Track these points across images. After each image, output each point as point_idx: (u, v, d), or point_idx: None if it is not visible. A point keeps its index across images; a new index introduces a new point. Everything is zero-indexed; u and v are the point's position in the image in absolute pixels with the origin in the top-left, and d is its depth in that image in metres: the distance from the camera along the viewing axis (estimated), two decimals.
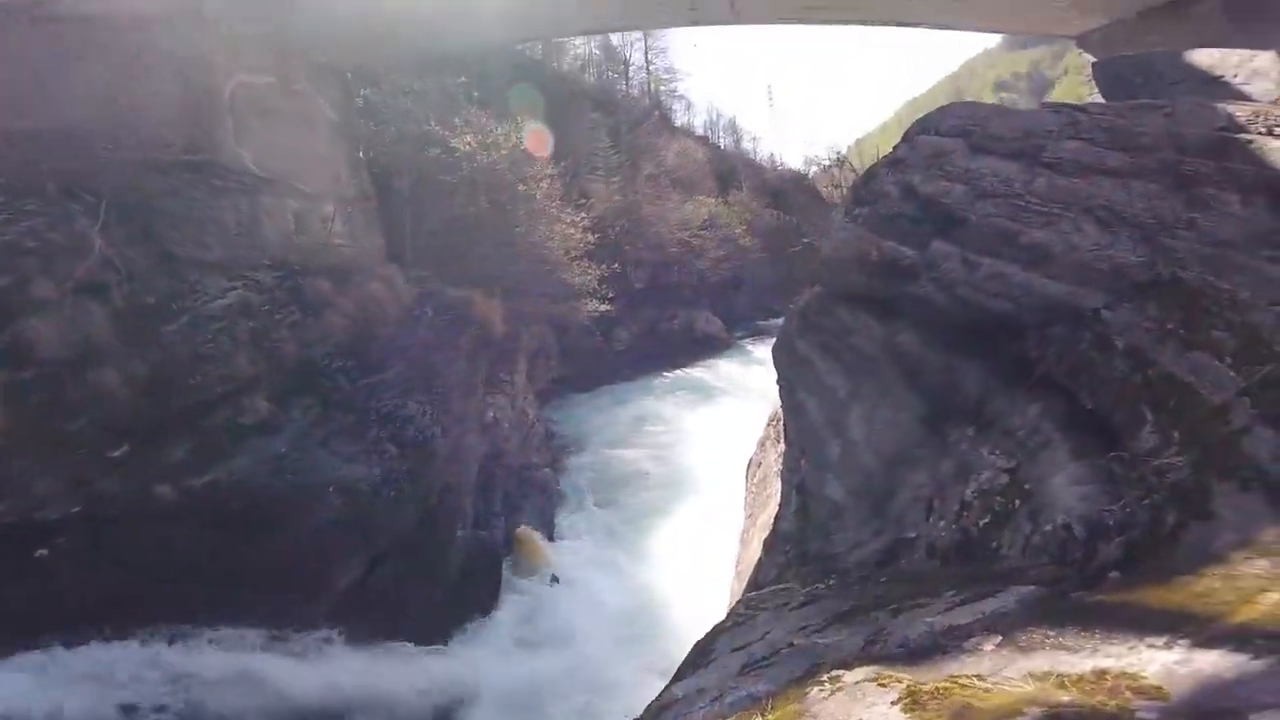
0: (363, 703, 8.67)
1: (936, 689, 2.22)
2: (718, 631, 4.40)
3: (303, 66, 11.19)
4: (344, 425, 9.53)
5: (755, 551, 7.62)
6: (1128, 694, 1.99)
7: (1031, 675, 2.22)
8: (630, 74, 44.25)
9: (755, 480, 10.16)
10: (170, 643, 8.09)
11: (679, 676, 3.95)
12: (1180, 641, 2.17)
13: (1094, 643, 2.33)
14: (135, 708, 7.71)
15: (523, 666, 10.27)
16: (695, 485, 16.50)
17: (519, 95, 24.89)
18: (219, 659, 8.30)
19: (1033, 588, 3.22)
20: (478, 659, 10.32)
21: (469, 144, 15.51)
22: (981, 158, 5.31)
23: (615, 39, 42.18)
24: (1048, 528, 3.98)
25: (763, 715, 2.49)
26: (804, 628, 3.60)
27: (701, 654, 4.04)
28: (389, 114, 15.17)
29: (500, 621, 11.31)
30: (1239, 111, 4.85)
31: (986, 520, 4.36)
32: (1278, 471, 3.09)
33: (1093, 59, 11.60)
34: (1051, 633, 2.49)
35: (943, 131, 5.71)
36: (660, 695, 3.70)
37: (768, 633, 3.73)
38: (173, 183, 9.32)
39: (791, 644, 3.28)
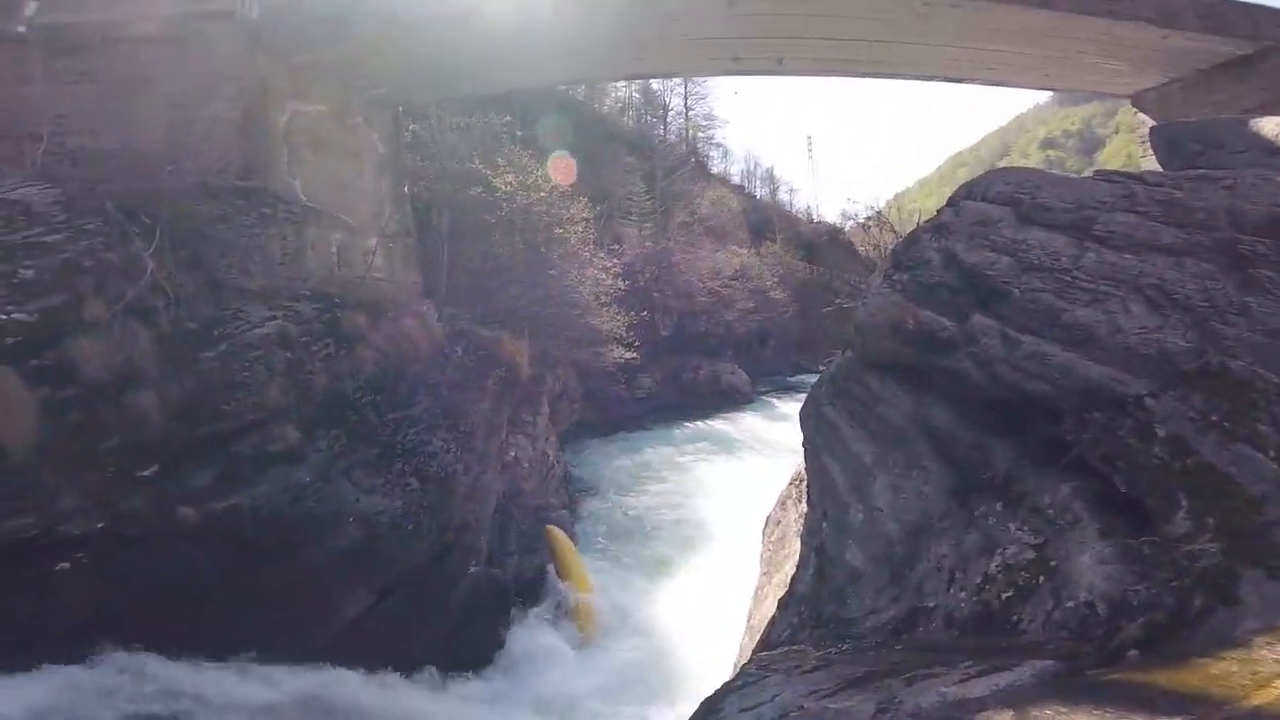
0: None
1: None
2: (727, 690, 4.30)
3: (358, 99, 11.48)
4: (368, 458, 9.67)
5: (769, 609, 7.46)
6: None
7: None
8: (669, 119, 44.52)
9: (773, 538, 10.00)
10: (174, 660, 8.10)
11: None
12: None
13: None
14: None
15: (526, 701, 10.13)
16: (711, 537, 16.28)
17: (548, 125, 25.55)
18: (223, 679, 8.26)
19: (1050, 663, 3.13)
20: (482, 693, 10.21)
21: (510, 184, 15.87)
22: (1029, 228, 5.18)
23: (656, 84, 42.45)
24: (1070, 604, 3.88)
25: None
26: (815, 691, 3.51)
27: (710, 712, 3.95)
28: (435, 150, 15.44)
29: (506, 660, 11.15)
30: None
31: (1009, 594, 4.26)
32: None
33: (1148, 119, 11.33)
34: (1064, 709, 2.43)
35: (990, 198, 5.59)
36: None
37: (778, 695, 3.64)
38: (224, 208, 9.54)
39: (801, 707, 3.21)
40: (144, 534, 8.17)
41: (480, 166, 15.66)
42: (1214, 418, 3.97)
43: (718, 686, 4.70)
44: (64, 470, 7.72)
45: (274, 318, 9.49)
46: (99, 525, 7.79)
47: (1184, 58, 9.85)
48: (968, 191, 5.91)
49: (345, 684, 8.91)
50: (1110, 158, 64.82)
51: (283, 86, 10.34)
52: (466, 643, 10.96)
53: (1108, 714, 2.31)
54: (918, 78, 11.88)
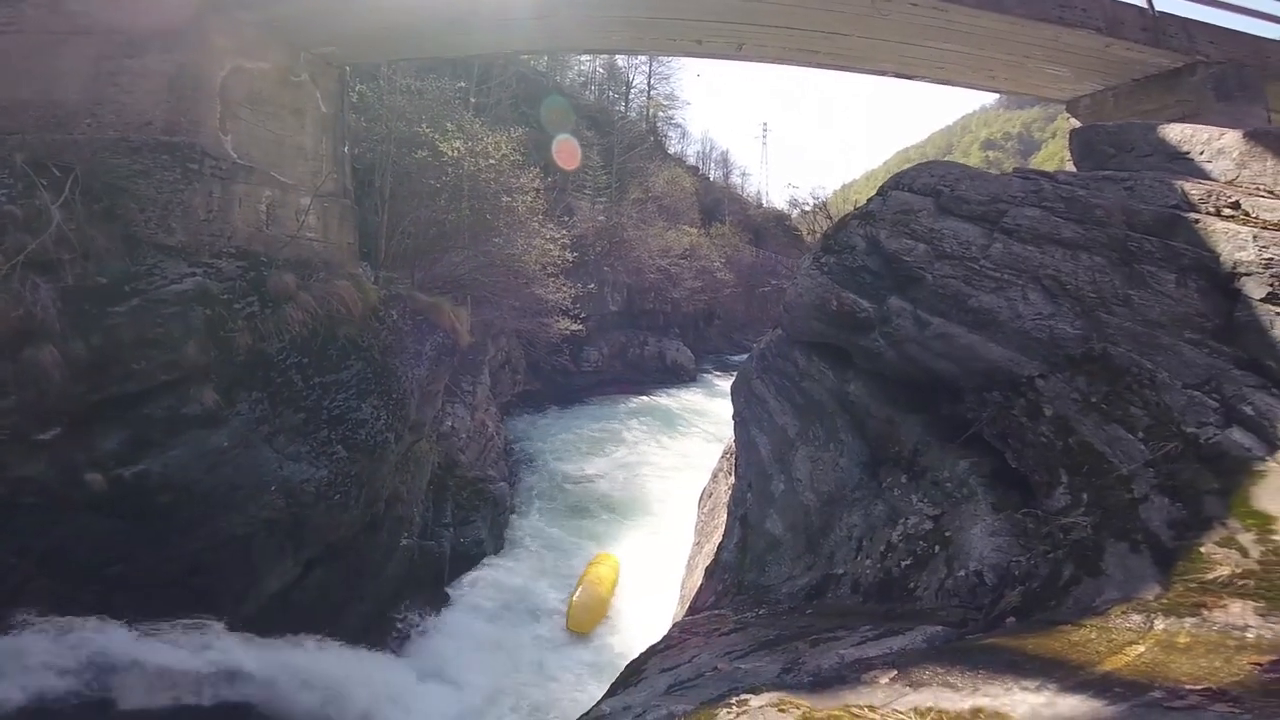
0: (268, 696, 8.45)
1: (829, 716, 2.35)
2: (651, 652, 4.45)
3: (305, 56, 11.02)
4: (292, 423, 9.32)
5: (698, 578, 7.69)
6: None
7: (916, 710, 2.33)
8: (631, 96, 44.63)
9: (706, 509, 10.26)
10: (75, 630, 7.78)
11: (611, 693, 3.99)
12: (1049, 686, 2.30)
13: (976, 682, 2.46)
14: (43, 695, 7.39)
15: (450, 678, 10.16)
16: (650, 510, 16.61)
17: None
18: (131, 650, 7.97)
19: (939, 628, 3.36)
20: (411, 662, 10.21)
21: (457, 150, 15.49)
22: (946, 218, 5.46)
23: (620, 61, 42.74)
24: (961, 573, 4.15)
25: None
26: (729, 653, 3.68)
27: (634, 673, 4.09)
28: (382, 112, 15.05)
29: (441, 628, 11.19)
30: (1194, 189, 4.97)
31: (908, 562, 4.52)
32: (1168, 537, 3.29)
33: (1076, 122, 11.88)
34: (941, 670, 2.61)
35: (915, 189, 5.87)
36: (590, 710, 3.74)
37: (696, 656, 3.80)
38: (146, 163, 9.08)
39: (715, 668, 3.36)
40: (45, 501, 7.70)
41: (428, 131, 15.22)
42: (1094, 399, 4.28)
43: (643, 650, 4.85)
44: None
45: (194, 274, 8.98)
46: None
47: (1122, 67, 10.31)
48: (896, 181, 6.20)
49: (270, 655, 8.76)
50: (1044, 160, 67.88)
51: (225, 42, 9.87)
52: (399, 616, 10.89)
53: (979, 675, 2.49)
54: (872, 72, 12.13)
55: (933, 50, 10.26)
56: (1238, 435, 3.68)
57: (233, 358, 8.83)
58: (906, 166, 6.57)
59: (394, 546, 10.88)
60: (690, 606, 6.83)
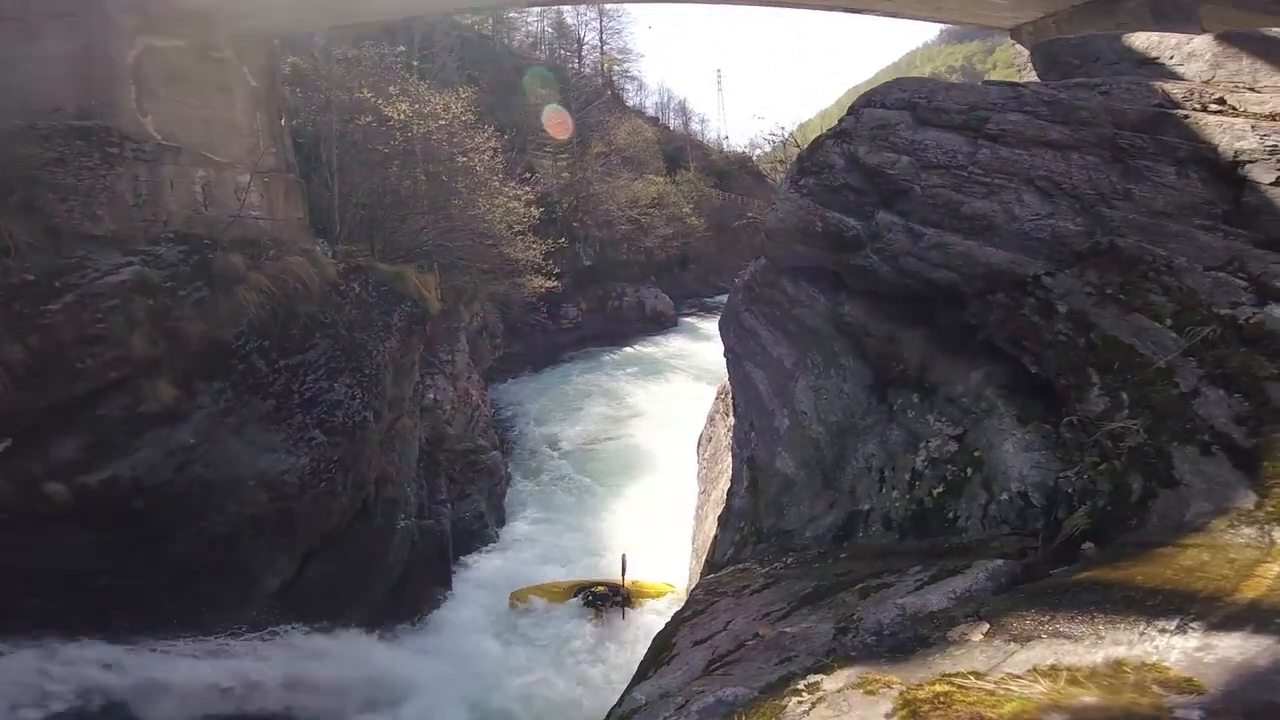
0: (295, 695, 8.25)
1: (935, 695, 1.93)
2: (678, 621, 4.13)
3: (225, 30, 10.39)
4: (262, 411, 8.78)
5: (711, 528, 7.44)
6: (1156, 689, 1.74)
7: (1037, 671, 1.94)
8: (584, 53, 44.13)
9: (707, 455, 9.98)
10: (62, 647, 7.39)
11: (641, 676, 3.62)
12: (1193, 625, 1.93)
13: (1096, 628, 2.08)
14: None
15: (470, 655, 9.94)
16: (648, 461, 16.37)
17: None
18: (136, 667, 7.64)
19: (1001, 562, 3.03)
20: (424, 647, 9.94)
21: (403, 112, 14.68)
22: (926, 130, 5.27)
23: (569, 18, 42.32)
24: (1004, 497, 3.84)
25: None
26: (768, 614, 3.34)
27: (663, 648, 3.74)
28: (318, 81, 14.40)
29: (452, 610, 10.89)
30: (1174, 89, 4.91)
31: (940, 490, 4.22)
32: (1240, 434, 2.96)
33: (1025, 54, 12.36)
34: (1043, 617, 2.22)
35: (889, 105, 5.63)
36: (621, 700, 3.36)
37: (730, 621, 3.47)
38: (59, 150, 8.49)
39: (757, 634, 3.00)
40: (11, 518, 7.23)
41: (370, 96, 14.43)
42: (1109, 290, 4.01)
43: (668, 619, 4.56)
44: None
45: (130, 263, 8.36)
46: None
47: None
48: (866, 100, 5.89)
49: (279, 656, 8.45)
50: None
51: (130, 21, 9.31)
52: (408, 599, 10.54)
53: (1096, 619, 2.08)
54: (820, 7, 12.36)
55: None
56: (1279, 312, 3.37)
57: (185, 348, 8.23)
58: (871, 88, 6.30)
59: (391, 530, 10.46)
60: (708, 561, 6.57)
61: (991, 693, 1.88)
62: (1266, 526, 2.43)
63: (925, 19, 13.07)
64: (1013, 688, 1.89)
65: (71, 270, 7.84)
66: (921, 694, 1.95)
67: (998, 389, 4.37)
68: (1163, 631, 1.95)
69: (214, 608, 8.26)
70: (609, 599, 10.47)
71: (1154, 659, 1.85)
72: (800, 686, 2.17)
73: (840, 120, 5.96)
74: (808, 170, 5.82)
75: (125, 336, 7.68)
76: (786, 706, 2.08)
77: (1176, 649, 1.87)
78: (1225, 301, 3.58)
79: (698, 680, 2.81)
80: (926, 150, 5.14)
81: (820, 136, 6.12)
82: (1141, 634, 1.97)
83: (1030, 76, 11.74)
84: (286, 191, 11.50)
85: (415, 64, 20.12)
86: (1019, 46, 12.46)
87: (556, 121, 21.44)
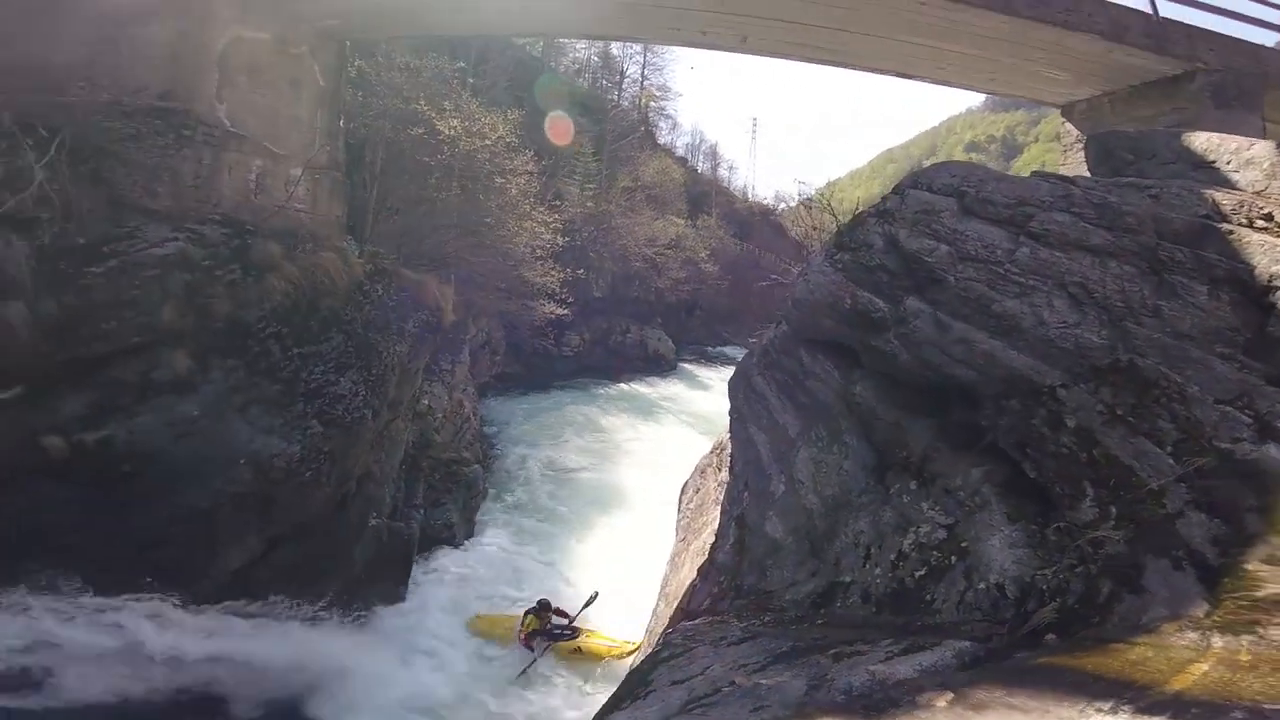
0: (231, 675, 8.23)
1: None
2: (656, 661, 4.24)
3: (306, 28, 10.94)
4: (268, 394, 8.93)
5: (686, 576, 7.51)
6: None
7: None
8: (624, 85, 44.77)
9: (691, 505, 10.07)
10: (30, 606, 7.40)
11: (615, 705, 3.76)
12: (1124, 708, 2.22)
13: (1045, 704, 2.35)
14: None
15: (409, 658, 9.89)
16: (625, 500, 16.37)
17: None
18: (85, 627, 7.68)
19: (968, 643, 3.23)
20: (366, 642, 9.84)
21: (455, 128, 15.20)
22: (970, 220, 5.26)
23: (616, 49, 42.76)
24: (981, 586, 4.03)
25: None
26: (744, 665, 3.50)
27: (640, 684, 3.86)
28: (379, 87, 14.89)
29: (403, 613, 10.83)
30: (1225, 200, 4.80)
31: (922, 572, 4.39)
32: (1212, 554, 3.21)
33: (1073, 129, 11.89)
34: (1000, 691, 2.49)
35: (935, 189, 5.65)
36: None
37: (708, 667, 3.61)
38: (138, 127, 9.01)
39: (733, 682, 3.17)
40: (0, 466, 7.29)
41: (425, 108, 14.97)
42: (1120, 411, 4.14)
43: (643, 657, 4.64)
44: None
45: (176, 239, 8.73)
46: None
47: (1121, 73, 10.27)
48: (913, 180, 5.95)
49: (225, 635, 8.43)
50: (1026, 164, 69.17)
51: (228, 12, 9.90)
52: (363, 595, 10.46)
53: (1046, 697, 2.38)
54: (872, 70, 12.14)
55: (934, 50, 10.24)
56: (1275, 452, 3.61)
57: (210, 324, 8.46)
58: (904, 171, 6.43)
59: (362, 526, 10.52)
60: (682, 608, 6.66)
61: None
62: (1208, 632, 2.71)
63: (976, 89, 13.00)
64: None
65: (122, 239, 8.26)
66: None
67: (994, 487, 4.48)
68: (1099, 711, 2.24)
69: (168, 578, 8.26)
70: (555, 633, 10.16)
71: None
72: None
73: (884, 199, 6.00)
74: (845, 246, 5.88)
75: (156, 305, 7.93)
76: None
77: None
78: (1227, 436, 3.70)
79: (675, 717, 2.98)
80: (967, 241, 5.11)
81: (862, 213, 6.19)
82: (1081, 712, 2.25)
83: (1074, 154, 11.49)
84: (331, 189, 11.89)
85: (470, 80, 20.81)
86: (1068, 124, 12.12)
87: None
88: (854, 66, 11.86)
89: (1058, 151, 13.59)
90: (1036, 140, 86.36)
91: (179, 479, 8.23)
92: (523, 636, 10.12)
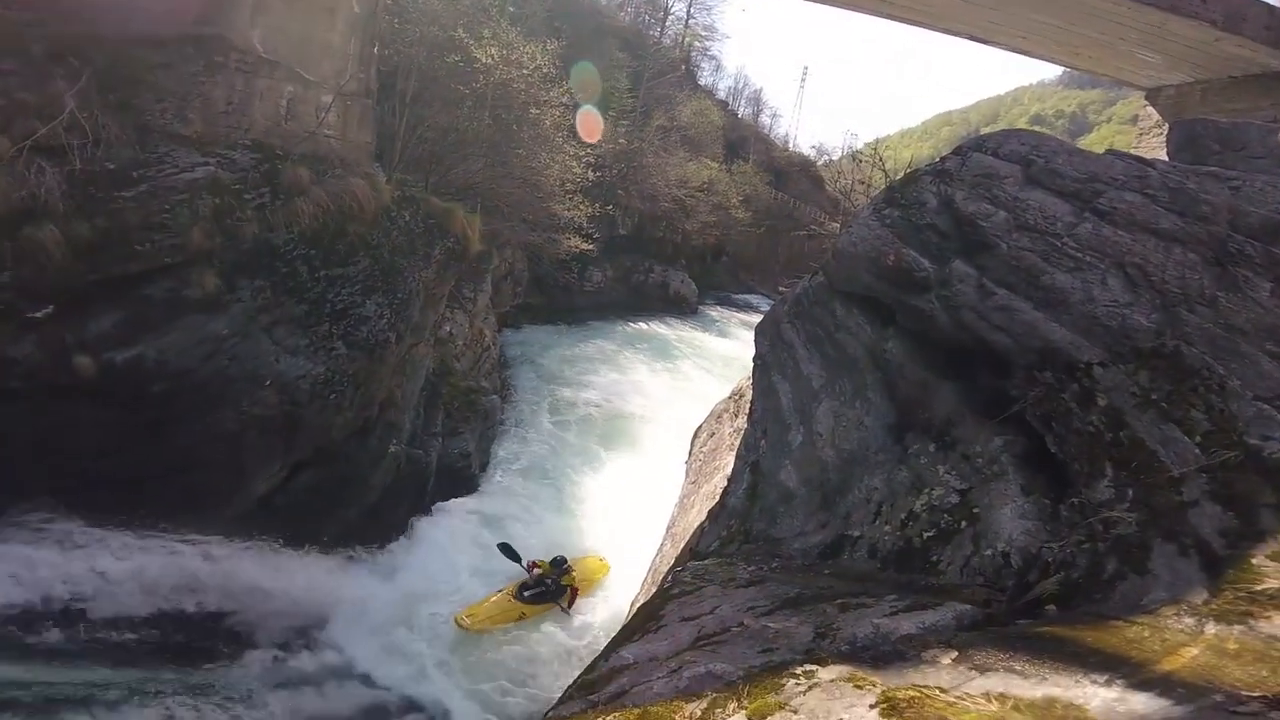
0: (254, 605, 8.65)
1: (910, 698, 2.35)
2: (666, 597, 4.43)
3: None
4: (294, 314, 9.07)
5: (695, 518, 7.71)
6: None
7: (990, 695, 2.35)
8: (667, 23, 43.16)
9: (704, 449, 10.23)
10: (60, 537, 7.75)
11: (626, 639, 3.94)
12: (1118, 682, 2.36)
13: (1042, 671, 2.49)
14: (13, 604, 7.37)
15: (424, 588, 10.24)
16: (637, 438, 16.65)
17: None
18: (110, 556, 8.03)
19: (969, 607, 3.33)
20: (383, 573, 10.25)
21: (493, 57, 14.77)
22: (1033, 189, 5.14)
23: None
24: (988, 552, 4.11)
25: (739, 700, 2.53)
26: (752, 608, 3.64)
27: (651, 618, 4.05)
28: (415, 14, 14.45)
29: (418, 543, 11.13)
30: None
31: (931, 534, 4.47)
32: (1219, 544, 3.23)
33: (1154, 113, 11.38)
34: (1003, 655, 2.62)
35: (1001, 154, 5.49)
36: (607, 655, 3.67)
37: (717, 607, 3.77)
38: (169, 56, 8.94)
39: (742, 623, 3.32)
40: (31, 386, 7.51)
41: (464, 36, 14.54)
42: (1154, 396, 4.10)
43: (653, 593, 4.82)
44: None
45: (206, 164, 8.72)
46: None
47: (1223, 63, 9.78)
48: (977, 143, 5.77)
49: (245, 560, 8.81)
50: (1093, 144, 65.69)
51: None
52: (380, 524, 10.76)
53: (1045, 664, 2.50)
54: (946, 31, 11.51)
55: (1023, 19, 9.65)
56: None
57: (239, 245, 8.54)
58: (961, 136, 6.17)
59: (382, 453, 10.73)
60: (689, 548, 6.87)
61: (952, 704, 2.33)
62: (1204, 619, 2.80)
63: (1058, 62, 12.45)
64: (969, 704, 2.33)
65: (152, 164, 8.30)
66: (900, 695, 2.39)
67: (1013, 457, 4.53)
68: (1094, 683, 2.38)
69: (197, 507, 8.56)
70: (550, 591, 10.38)
71: (1080, 701, 2.28)
72: (797, 672, 2.55)
73: (944, 159, 5.87)
74: (895, 202, 5.77)
75: (186, 227, 8.01)
76: (785, 685, 2.45)
77: (1099, 697, 2.29)
78: (1258, 433, 3.68)
79: (687, 651, 3.14)
80: (1027, 210, 5.02)
81: (917, 170, 6.07)
82: (1076, 681, 2.40)
83: (1151, 139, 11.09)
84: (361, 116, 11.74)
85: (510, 9, 20.09)
86: (1150, 108, 11.68)
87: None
88: (930, 26, 11.38)
89: (1130, 134, 13.07)
90: (1109, 121, 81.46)
91: (209, 400, 8.46)
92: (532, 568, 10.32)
